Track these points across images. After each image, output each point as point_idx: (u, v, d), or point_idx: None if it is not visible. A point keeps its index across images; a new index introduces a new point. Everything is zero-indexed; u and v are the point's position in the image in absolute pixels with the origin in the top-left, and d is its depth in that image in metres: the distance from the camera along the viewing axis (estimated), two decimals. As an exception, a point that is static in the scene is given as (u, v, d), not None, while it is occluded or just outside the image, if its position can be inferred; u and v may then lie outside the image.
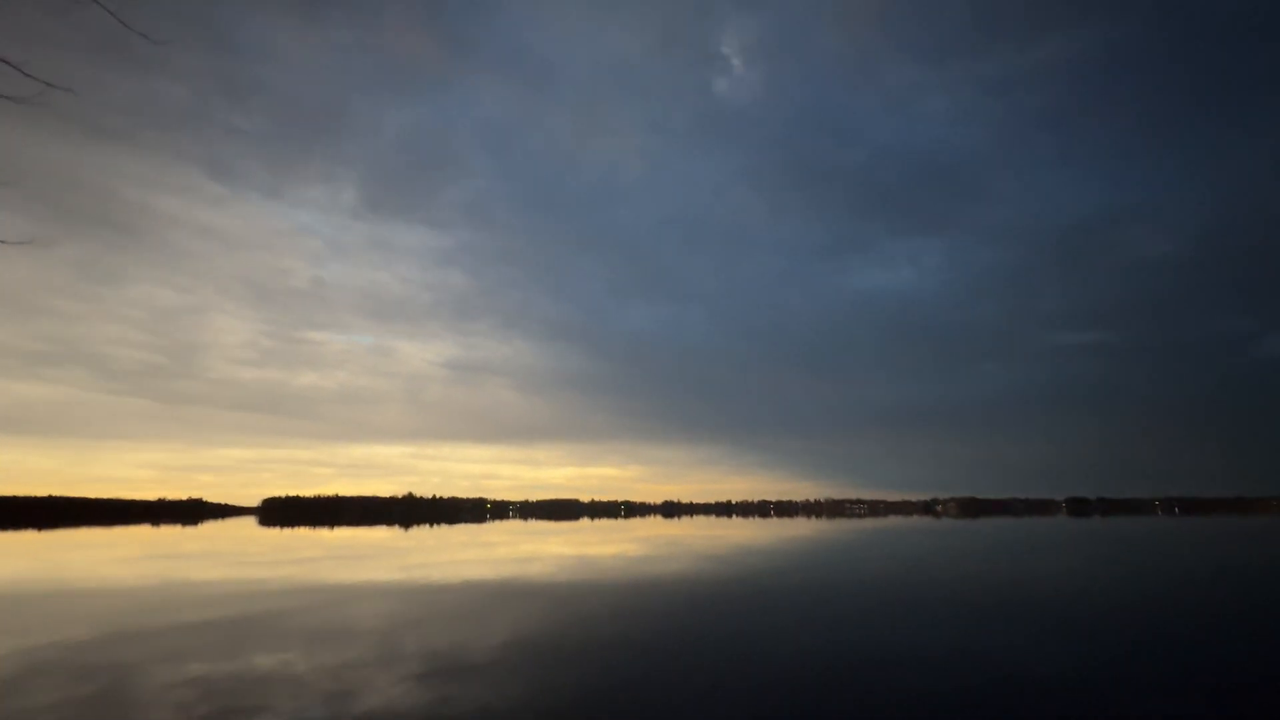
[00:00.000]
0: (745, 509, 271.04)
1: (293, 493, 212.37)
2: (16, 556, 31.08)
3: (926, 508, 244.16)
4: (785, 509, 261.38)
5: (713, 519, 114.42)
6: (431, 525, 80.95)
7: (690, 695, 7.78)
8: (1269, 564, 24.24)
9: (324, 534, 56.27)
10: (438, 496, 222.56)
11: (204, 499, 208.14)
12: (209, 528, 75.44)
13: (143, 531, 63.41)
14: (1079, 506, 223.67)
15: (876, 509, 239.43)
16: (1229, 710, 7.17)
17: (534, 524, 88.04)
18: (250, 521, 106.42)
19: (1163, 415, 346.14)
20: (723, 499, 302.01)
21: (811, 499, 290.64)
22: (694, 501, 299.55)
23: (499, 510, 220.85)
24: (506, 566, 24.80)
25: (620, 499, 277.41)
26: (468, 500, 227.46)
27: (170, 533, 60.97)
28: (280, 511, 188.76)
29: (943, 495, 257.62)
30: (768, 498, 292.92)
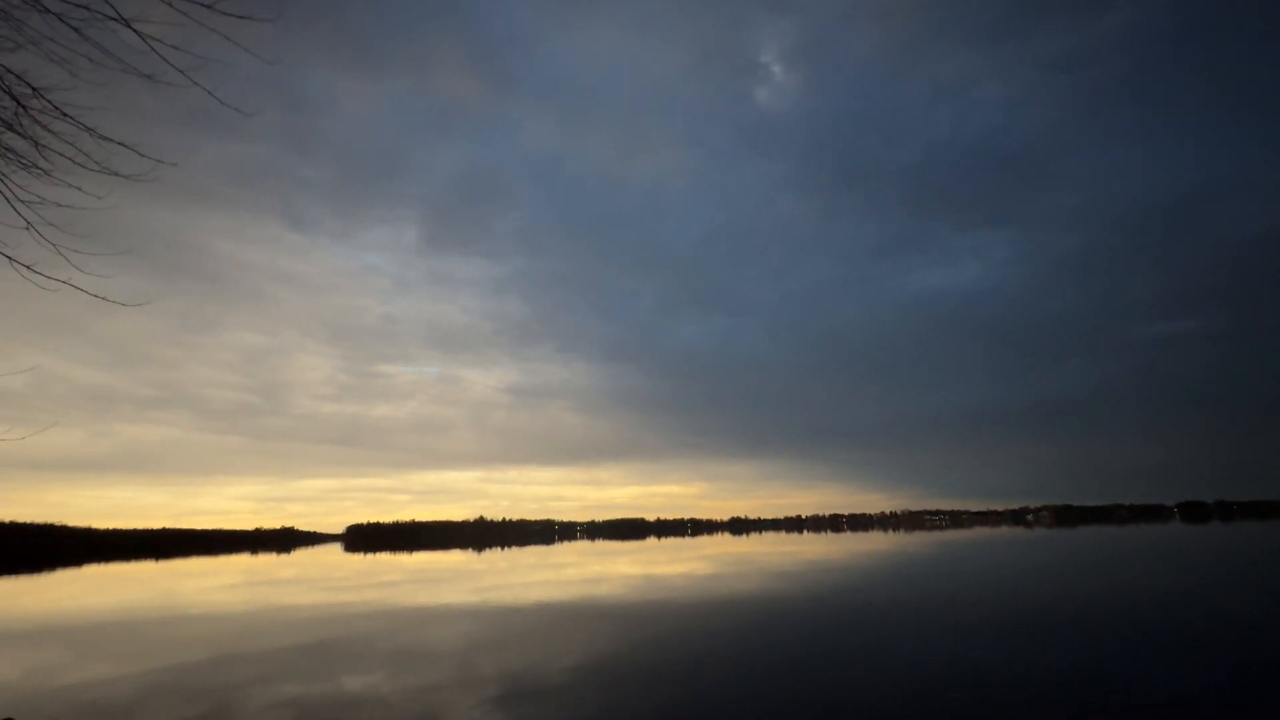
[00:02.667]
0: (816, 523, 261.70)
1: (373, 519, 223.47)
2: (138, 586, 34.11)
3: (1016, 517, 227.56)
4: (859, 522, 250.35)
5: (782, 534, 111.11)
6: (503, 548, 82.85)
7: (761, 717, 7.52)
8: None
9: (403, 558, 58.65)
10: (507, 519, 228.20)
11: (295, 527, 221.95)
12: (300, 555, 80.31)
13: (242, 560, 68.19)
14: (1195, 512, 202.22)
15: (959, 520, 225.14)
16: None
17: (601, 544, 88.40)
18: (336, 548, 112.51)
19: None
20: (792, 514, 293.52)
21: (887, 511, 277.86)
22: (762, 517, 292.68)
23: (566, 531, 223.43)
24: (576, 587, 24.97)
25: (686, 516, 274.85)
26: (536, 522, 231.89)
27: (266, 560, 65.30)
28: (363, 538, 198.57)
29: (1033, 503, 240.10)
30: (839, 511, 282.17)
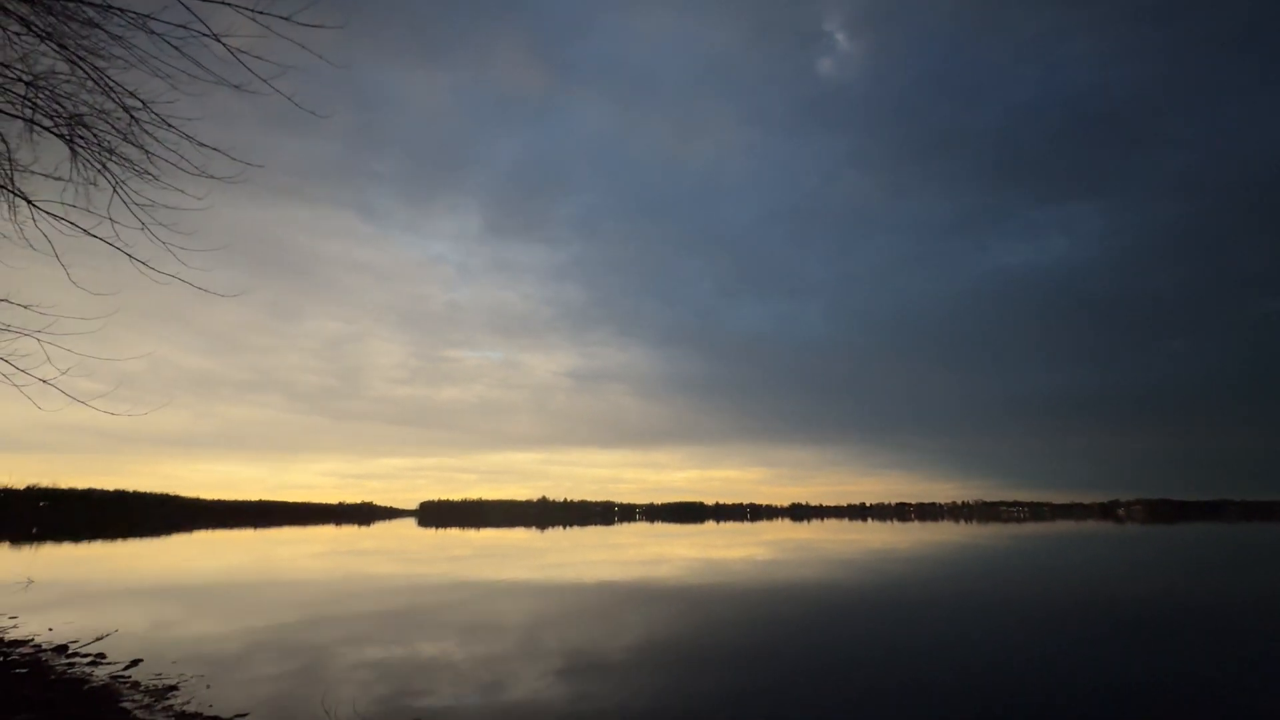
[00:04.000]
0: (881, 512, 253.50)
1: (443, 497, 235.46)
2: (240, 551, 37.58)
3: (1105, 511, 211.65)
4: (927, 512, 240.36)
5: (845, 522, 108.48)
6: (565, 527, 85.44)
7: (819, 711, 7.46)
8: None
9: (471, 534, 61.60)
10: (569, 500, 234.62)
11: (373, 502, 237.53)
12: (379, 528, 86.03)
13: (327, 530, 73.70)
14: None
15: (1039, 512, 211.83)
16: None
17: (660, 526, 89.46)
18: (411, 522, 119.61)
19: None
20: (855, 501, 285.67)
21: (958, 501, 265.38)
22: (824, 504, 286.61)
23: (626, 513, 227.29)
24: (636, 568, 25.44)
25: (745, 501, 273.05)
26: (597, 503, 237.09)
27: (349, 531, 70.27)
28: (435, 513, 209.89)
29: (1126, 496, 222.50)
30: (906, 500, 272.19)
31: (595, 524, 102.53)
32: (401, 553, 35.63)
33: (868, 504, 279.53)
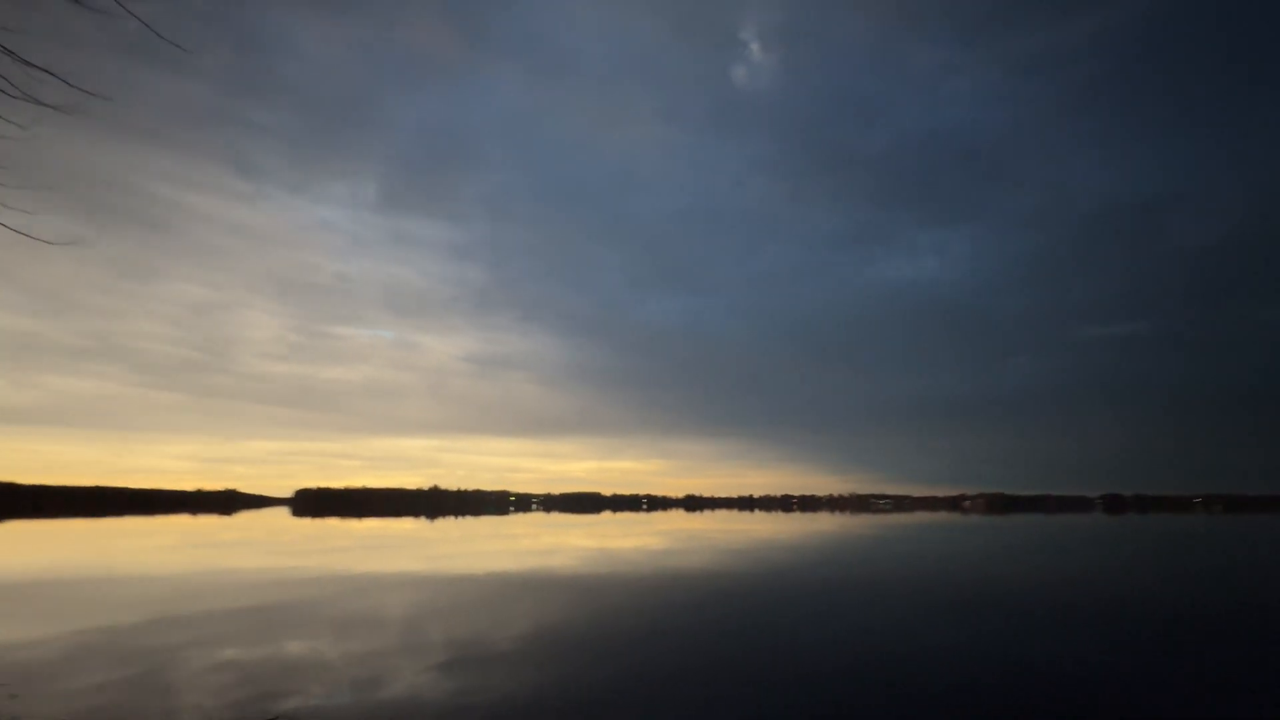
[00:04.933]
0: (768, 504, 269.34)
1: (323, 484, 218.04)
2: (67, 544, 32.51)
3: (953, 503, 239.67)
4: (809, 504, 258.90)
5: (735, 513, 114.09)
6: (457, 517, 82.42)
7: (711, 688, 7.81)
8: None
9: (353, 524, 57.68)
10: (462, 489, 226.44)
11: (238, 490, 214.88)
12: (244, 518, 77.99)
13: (181, 521, 65.77)
14: (1115, 503, 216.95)
15: (902, 504, 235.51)
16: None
17: (556, 517, 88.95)
18: (283, 512, 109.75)
19: (1202, 409, 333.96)
20: (745, 493, 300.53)
21: (835, 494, 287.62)
22: (716, 496, 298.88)
23: (522, 503, 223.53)
24: (530, 558, 25.12)
25: (642, 493, 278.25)
26: (491, 493, 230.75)
27: (207, 522, 63.15)
28: (312, 502, 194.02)
29: (970, 491, 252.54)
30: (791, 492, 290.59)
31: (490, 514, 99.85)
32: (270, 544, 32.57)
33: (756, 496, 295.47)
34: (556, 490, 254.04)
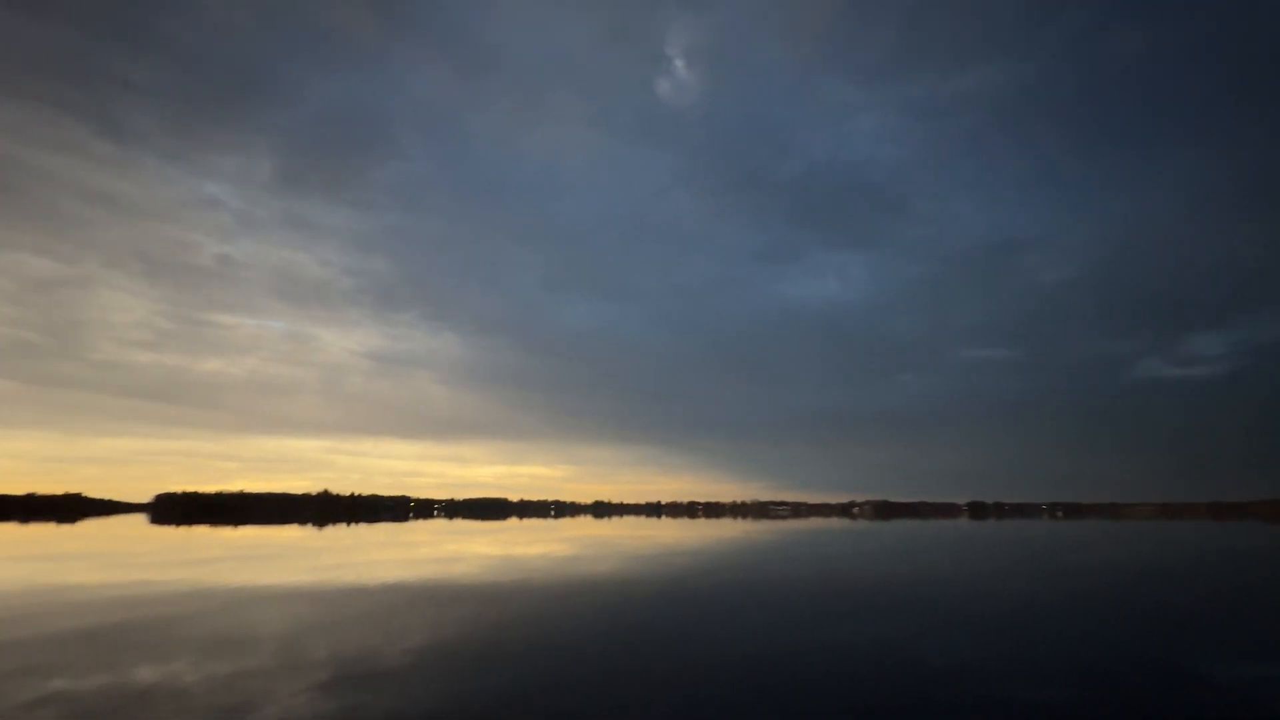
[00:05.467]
0: (674, 510, 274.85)
1: (191, 488, 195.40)
2: None
3: (844, 510, 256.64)
4: (713, 510, 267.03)
5: (642, 519, 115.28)
6: (349, 524, 76.93)
7: (611, 695, 7.78)
8: (1134, 563, 27.20)
9: (226, 533, 52.22)
10: (356, 494, 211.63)
11: (84, 494, 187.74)
12: (90, 526, 68.16)
13: (8, 530, 56.46)
14: (978, 510, 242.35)
15: (799, 510, 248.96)
16: (1086, 690, 7.98)
17: (460, 523, 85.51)
18: (140, 519, 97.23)
19: (1051, 428, 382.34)
20: (653, 500, 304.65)
21: (738, 500, 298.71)
22: (624, 502, 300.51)
23: (423, 509, 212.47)
24: (428, 567, 23.92)
25: (550, 498, 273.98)
26: (389, 498, 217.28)
27: (43, 531, 54.63)
28: (176, 508, 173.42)
29: (859, 498, 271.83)
30: (696, 499, 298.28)
31: (387, 521, 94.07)
32: (122, 556, 28.71)
33: (663, 502, 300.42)
34: (461, 496, 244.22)
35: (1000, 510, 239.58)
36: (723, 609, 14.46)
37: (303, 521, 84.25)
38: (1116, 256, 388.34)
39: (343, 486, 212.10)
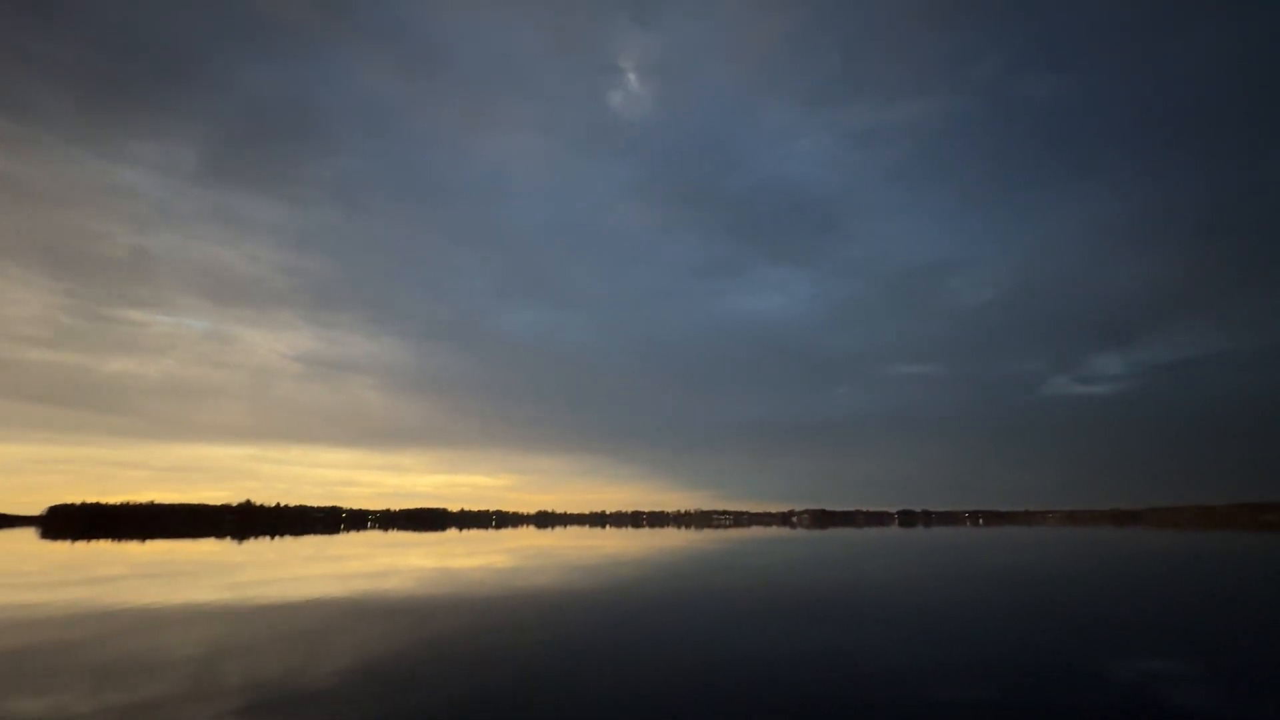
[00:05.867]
0: (619, 519, 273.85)
1: (92, 499, 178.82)
2: None
3: (784, 519, 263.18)
4: (657, 519, 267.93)
5: (586, 529, 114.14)
6: (273, 537, 72.35)
7: (555, 710, 7.65)
8: (1042, 566, 29.20)
9: (131, 548, 48.04)
10: (284, 504, 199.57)
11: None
12: (-33, 541, 61.04)
13: None
14: (908, 518, 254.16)
15: (741, 519, 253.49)
16: (995, 687, 8.50)
17: (395, 535, 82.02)
18: (30, 533, 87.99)
19: (972, 440, 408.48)
20: (597, 509, 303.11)
21: (682, 509, 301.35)
22: (568, 512, 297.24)
23: (355, 520, 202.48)
24: (359, 581, 22.81)
25: (492, 509, 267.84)
26: (319, 509, 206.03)
27: (-94, 548, 48.51)
28: (72, 521, 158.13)
29: (798, 507, 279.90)
30: (641, 508, 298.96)
31: (316, 533, 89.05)
32: (4, 575, 25.89)
33: (607, 512, 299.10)
34: (397, 506, 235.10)
35: (928, 518, 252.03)
36: (665, 618, 14.50)
37: (220, 535, 78.58)
38: (1029, 281, 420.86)
39: (267, 497, 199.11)
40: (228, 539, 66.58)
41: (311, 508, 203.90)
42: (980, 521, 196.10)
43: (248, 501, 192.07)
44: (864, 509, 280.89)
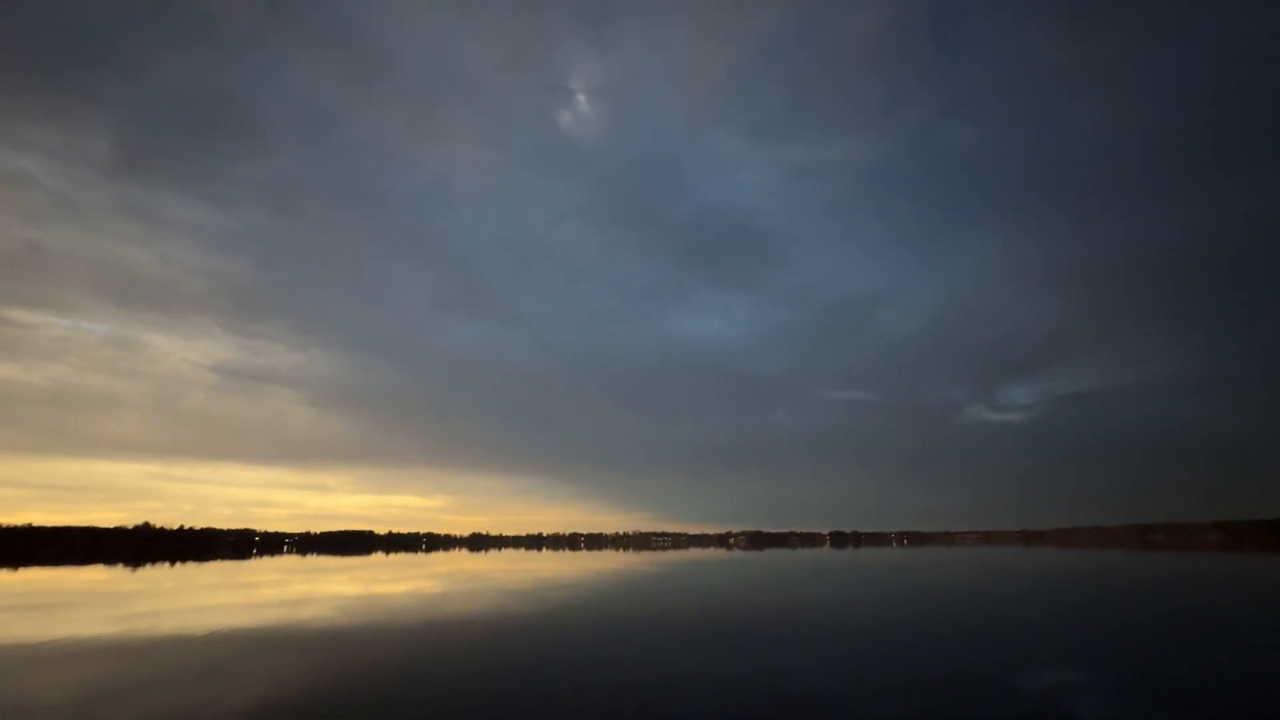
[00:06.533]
0: (556, 542, 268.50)
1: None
2: None
3: (721, 540, 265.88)
4: (595, 541, 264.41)
5: (522, 552, 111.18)
6: (174, 563, 66.27)
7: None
8: (960, 585, 30.84)
9: (3, 577, 42.76)
10: (187, 527, 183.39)
11: None
12: None
13: None
14: (839, 539, 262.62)
15: (679, 541, 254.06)
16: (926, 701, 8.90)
17: (314, 560, 76.96)
18: (-128, 561, 76.71)
19: (898, 464, 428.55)
20: (534, 531, 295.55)
21: (621, 531, 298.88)
22: (504, 534, 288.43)
23: (270, 543, 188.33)
24: (270, 611, 21.22)
25: (422, 530, 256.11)
26: (229, 532, 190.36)
27: None
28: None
29: (735, 529, 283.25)
30: (579, 530, 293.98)
31: (225, 558, 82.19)
32: None
33: (544, 534, 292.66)
34: (318, 528, 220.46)
35: (857, 539, 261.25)
36: (601, 643, 14.27)
37: (111, 561, 71.16)
38: (950, 314, 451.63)
39: (169, 519, 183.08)
40: (120, 566, 60.32)
41: (220, 530, 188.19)
42: (905, 542, 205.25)
43: (145, 524, 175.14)
44: (798, 530, 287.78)
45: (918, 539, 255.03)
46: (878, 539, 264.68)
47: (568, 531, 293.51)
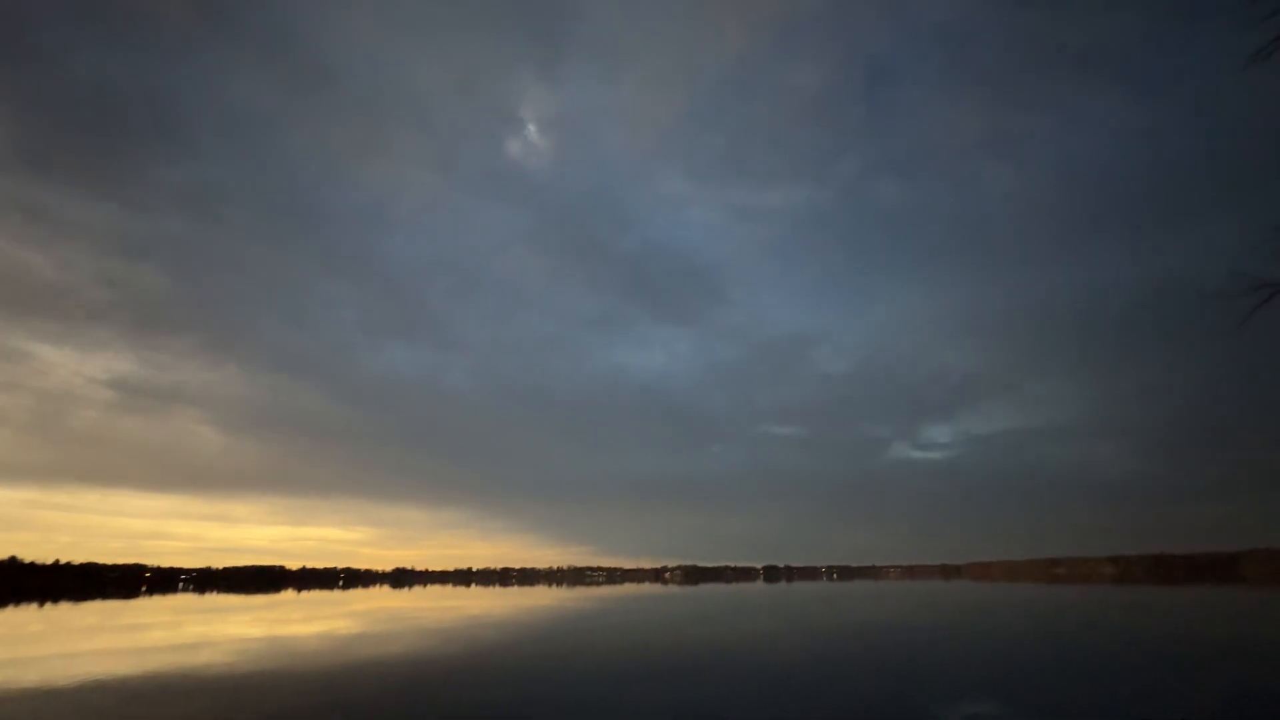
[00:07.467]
0: (486, 577, 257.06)
1: None
2: None
3: (656, 575, 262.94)
4: (527, 577, 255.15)
5: (449, 588, 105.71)
6: (43, 603, 58.60)
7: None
8: (885, 619, 31.78)
9: None
10: (64, 562, 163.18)
11: None
12: None
13: None
14: (772, 573, 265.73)
15: (614, 576, 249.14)
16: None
17: (214, 599, 70.10)
18: None
19: (828, 499, 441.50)
20: (464, 566, 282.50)
21: (554, 566, 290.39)
22: (430, 569, 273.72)
23: (164, 580, 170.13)
24: (158, 656, 19.06)
25: (341, 565, 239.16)
26: (114, 567, 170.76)
27: None
28: None
29: (671, 563, 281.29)
30: (511, 565, 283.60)
31: (107, 597, 73.40)
32: None
33: (474, 569, 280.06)
34: (221, 564, 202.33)
35: (789, 574, 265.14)
36: (530, 684, 13.64)
37: (-35, 601, 62.11)
38: (878, 355, 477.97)
39: (42, 552, 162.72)
40: (-25, 607, 52.63)
41: (104, 566, 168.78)
42: (835, 576, 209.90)
43: (13, 558, 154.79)
44: (732, 565, 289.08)
45: (846, 573, 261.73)
46: (809, 573, 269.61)
47: (499, 566, 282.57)
